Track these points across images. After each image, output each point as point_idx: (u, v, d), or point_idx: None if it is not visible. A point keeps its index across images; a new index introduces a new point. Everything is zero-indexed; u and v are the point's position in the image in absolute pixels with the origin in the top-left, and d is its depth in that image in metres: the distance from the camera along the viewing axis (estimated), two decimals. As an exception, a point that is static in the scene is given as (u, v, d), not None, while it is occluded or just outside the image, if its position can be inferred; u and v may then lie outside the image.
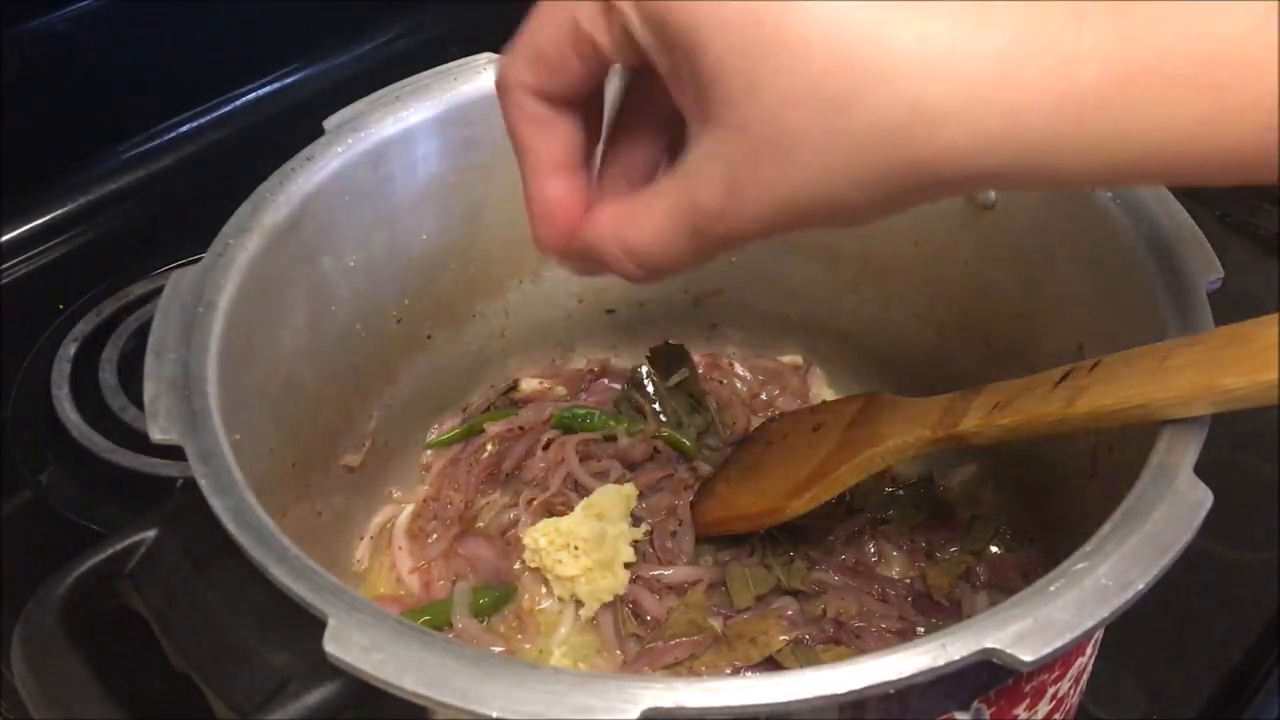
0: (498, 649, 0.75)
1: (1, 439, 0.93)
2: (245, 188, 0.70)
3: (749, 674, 0.70)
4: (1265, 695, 0.76)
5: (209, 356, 0.62)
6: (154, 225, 1.14)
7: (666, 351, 0.91)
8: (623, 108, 0.54)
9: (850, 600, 0.75)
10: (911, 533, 0.80)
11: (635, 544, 0.78)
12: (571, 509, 0.79)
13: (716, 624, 0.75)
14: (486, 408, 0.90)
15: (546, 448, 0.85)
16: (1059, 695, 0.60)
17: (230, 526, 0.53)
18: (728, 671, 0.72)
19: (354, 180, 0.74)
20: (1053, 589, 0.49)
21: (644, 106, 0.53)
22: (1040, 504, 0.78)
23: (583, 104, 0.51)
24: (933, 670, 0.47)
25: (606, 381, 0.91)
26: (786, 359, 0.93)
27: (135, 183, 1.17)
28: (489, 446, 0.87)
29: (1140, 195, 0.67)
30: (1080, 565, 0.50)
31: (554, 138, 0.51)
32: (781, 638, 0.73)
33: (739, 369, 0.93)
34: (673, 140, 0.53)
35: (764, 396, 0.92)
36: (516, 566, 0.80)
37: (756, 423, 0.88)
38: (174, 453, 0.57)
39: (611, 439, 0.85)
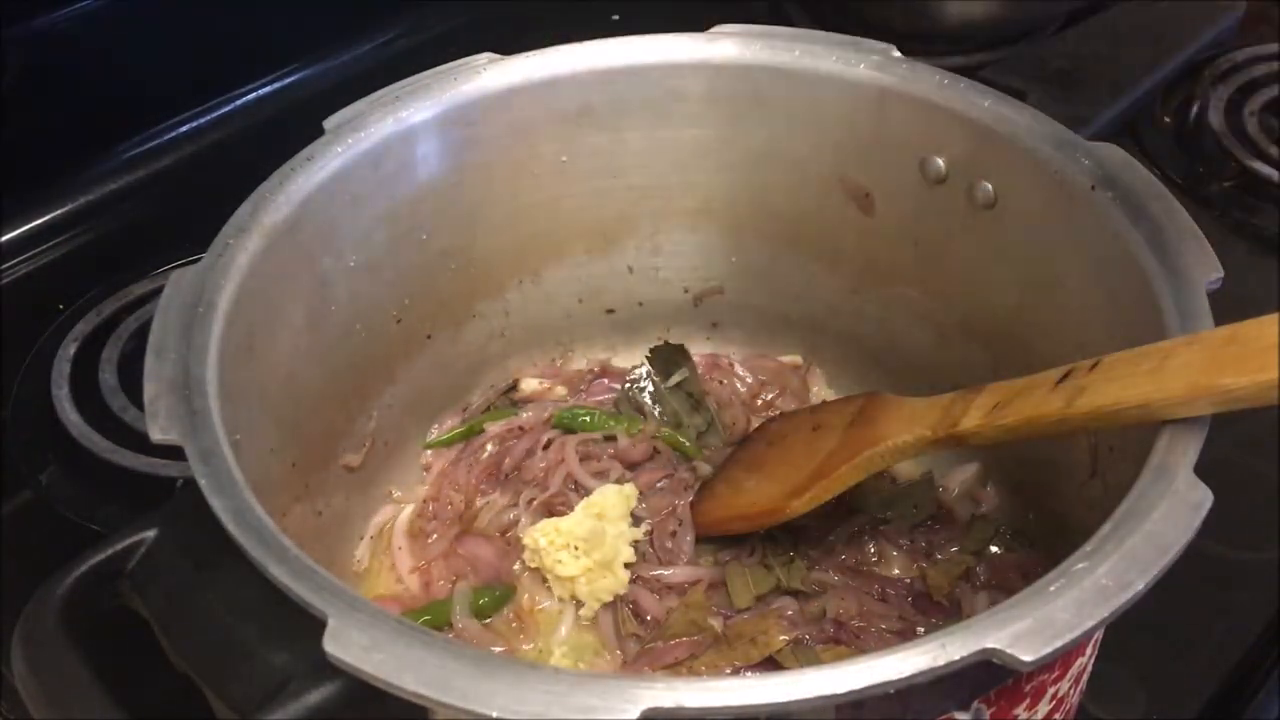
0: (498, 649, 0.75)
1: (1, 439, 0.93)
2: (245, 188, 0.70)
3: (749, 674, 0.70)
4: (1265, 695, 0.76)
5: (209, 356, 0.62)
6: (154, 225, 1.14)
7: (666, 351, 0.91)
8: None
9: (850, 600, 0.75)
10: (911, 533, 0.80)
11: (635, 544, 0.78)
12: (571, 509, 0.79)
13: (716, 624, 0.75)
14: (486, 408, 0.90)
15: (546, 448, 0.85)
16: (1059, 695, 0.60)
17: (230, 526, 0.53)
18: (728, 671, 0.72)
19: (354, 180, 0.74)
20: (1053, 589, 0.49)
21: None
22: (1040, 504, 0.78)
23: None
24: (933, 670, 0.47)
25: (606, 381, 0.91)
26: (786, 359, 0.93)
27: (135, 183, 1.17)
28: (489, 446, 0.87)
29: (1140, 195, 0.67)
30: (1080, 565, 0.50)
31: None
32: (781, 638, 0.73)
33: (739, 369, 0.93)
34: None
35: (764, 396, 0.92)
36: (516, 567, 0.80)
37: (756, 423, 0.88)
38: (174, 453, 0.57)
39: (611, 439, 0.85)
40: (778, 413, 0.89)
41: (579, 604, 0.76)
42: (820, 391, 0.92)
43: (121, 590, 0.59)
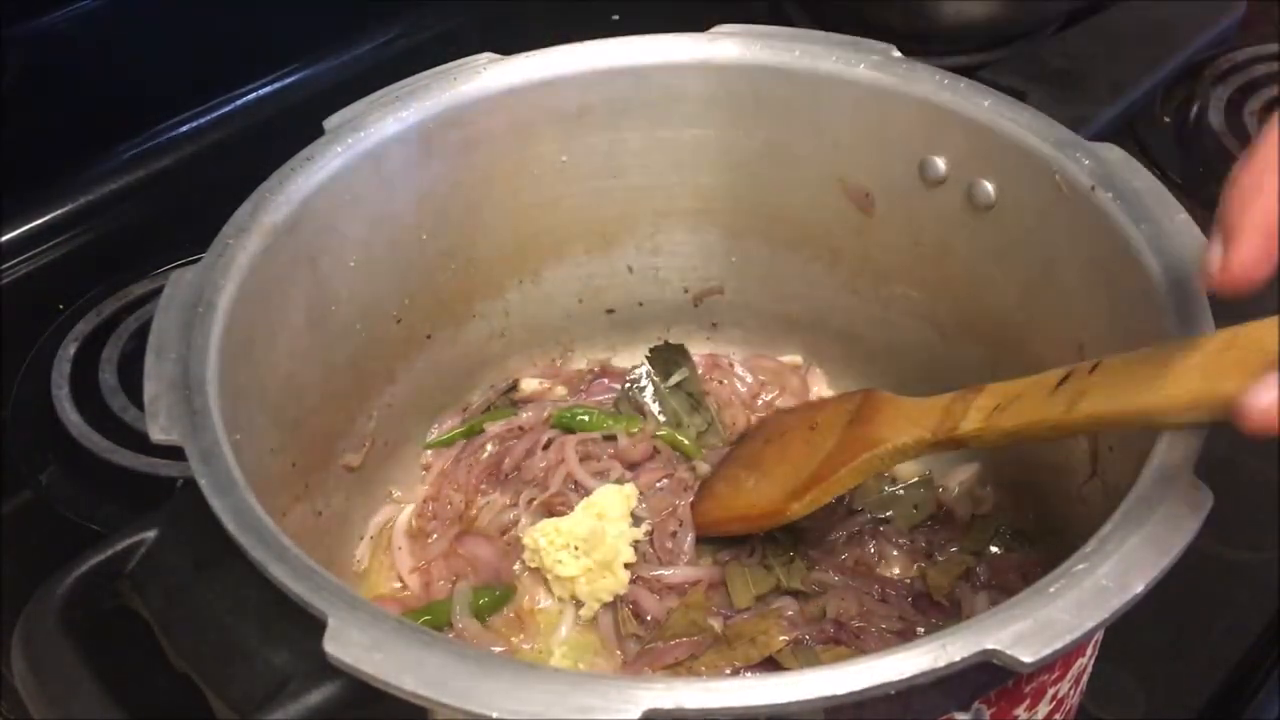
0: (498, 649, 0.75)
1: (1, 439, 0.93)
2: (245, 188, 0.70)
3: (749, 674, 0.70)
4: (1265, 695, 0.76)
5: (209, 356, 0.62)
6: (154, 225, 1.13)
7: (666, 351, 0.91)
8: None
9: (850, 600, 0.75)
10: (911, 533, 0.80)
11: (635, 544, 0.78)
12: (571, 509, 0.79)
13: (716, 624, 0.75)
14: (486, 408, 0.90)
15: (546, 448, 0.85)
16: (1059, 696, 0.60)
17: (230, 526, 0.53)
18: (728, 672, 0.72)
19: (354, 180, 0.74)
20: (1053, 589, 0.49)
21: None
22: (1040, 504, 0.78)
23: None
24: (933, 671, 0.47)
25: (606, 381, 0.91)
26: (786, 359, 0.93)
27: (135, 183, 1.17)
28: (489, 446, 0.87)
29: (1140, 195, 0.67)
30: (1080, 566, 0.50)
31: None
32: (781, 638, 0.73)
33: (739, 369, 0.93)
34: None
35: (764, 397, 0.92)
36: (516, 567, 0.80)
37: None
38: (174, 453, 0.57)
39: (611, 439, 0.85)
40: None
41: (579, 604, 0.76)
42: (820, 391, 0.91)
43: (121, 590, 0.59)
